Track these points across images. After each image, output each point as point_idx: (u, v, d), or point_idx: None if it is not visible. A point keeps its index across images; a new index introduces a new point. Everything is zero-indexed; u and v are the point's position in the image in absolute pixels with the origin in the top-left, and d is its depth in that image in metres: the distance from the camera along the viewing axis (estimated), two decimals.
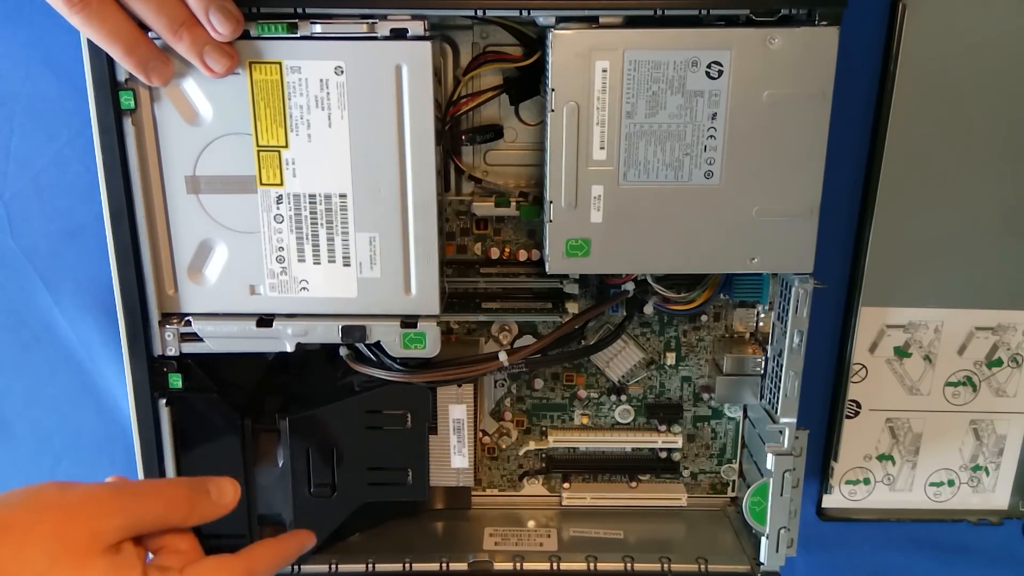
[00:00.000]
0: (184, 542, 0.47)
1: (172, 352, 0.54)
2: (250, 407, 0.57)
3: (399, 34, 0.49)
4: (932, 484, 0.67)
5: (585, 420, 0.65)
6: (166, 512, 0.46)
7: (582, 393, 0.65)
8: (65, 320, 0.63)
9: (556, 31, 0.49)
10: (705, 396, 0.65)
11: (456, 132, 0.57)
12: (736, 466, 0.66)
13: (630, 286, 0.58)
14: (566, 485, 0.66)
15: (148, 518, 0.45)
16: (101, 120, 0.50)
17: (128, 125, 0.50)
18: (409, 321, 0.54)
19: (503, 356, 0.57)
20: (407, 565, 0.59)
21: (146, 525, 0.45)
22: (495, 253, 0.60)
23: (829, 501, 0.67)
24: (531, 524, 0.64)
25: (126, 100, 0.50)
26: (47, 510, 0.42)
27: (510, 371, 0.64)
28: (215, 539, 0.58)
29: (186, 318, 0.54)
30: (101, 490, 0.45)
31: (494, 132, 0.57)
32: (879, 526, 0.68)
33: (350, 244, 0.52)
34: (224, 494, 0.49)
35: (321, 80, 0.49)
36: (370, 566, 0.60)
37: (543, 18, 0.50)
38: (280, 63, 0.49)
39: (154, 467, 0.56)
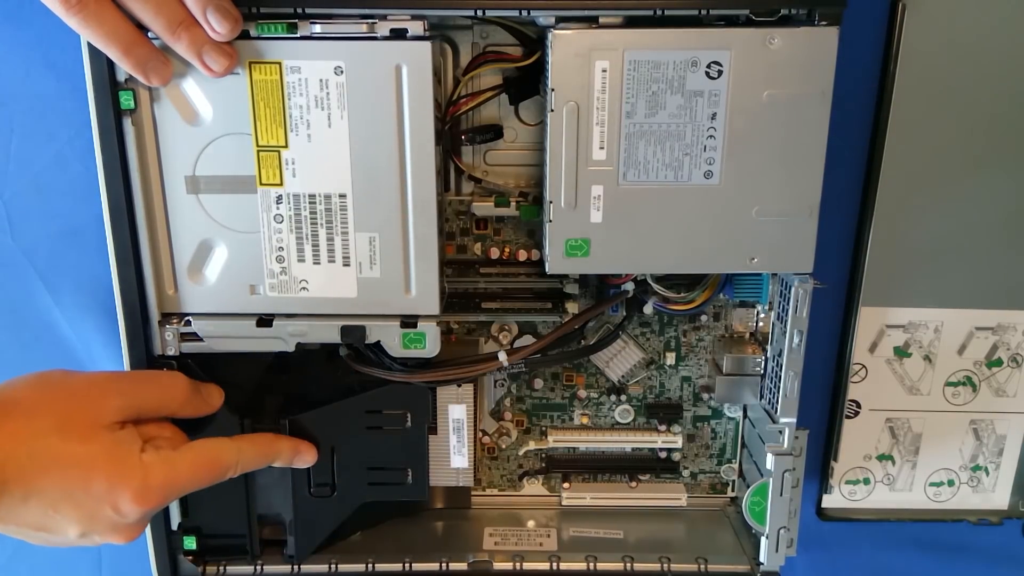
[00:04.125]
0: (174, 433, 0.51)
1: (172, 352, 0.54)
2: (250, 407, 0.57)
3: (399, 34, 0.49)
4: (932, 484, 0.67)
5: (585, 420, 0.65)
6: (162, 399, 0.51)
7: (582, 393, 0.65)
8: (65, 320, 0.63)
9: (556, 31, 0.49)
10: (705, 396, 0.65)
11: (456, 132, 0.57)
12: (736, 466, 0.66)
13: (630, 286, 0.58)
14: (566, 485, 0.66)
15: (147, 403, 0.50)
16: (101, 120, 0.50)
17: (128, 125, 0.50)
18: (409, 321, 0.54)
19: (503, 356, 0.57)
20: (407, 565, 0.59)
21: (145, 409, 0.49)
22: (495, 253, 0.60)
23: (829, 501, 0.67)
24: (531, 524, 0.64)
25: (126, 100, 0.50)
26: (54, 388, 0.47)
27: (510, 371, 0.64)
28: (214, 539, 0.59)
29: (186, 318, 0.54)
30: (103, 376, 0.50)
31: (494, 132, 0.57)
32: (879, 526, 0.68)
33: (350, 244, 0.52)
34: (212, 395, 0.54)
35: (321, 80, 0.49)
36: (370, 566, 0.60)
37: (543, 18, 0.50)
38: (280, 63, 0.49)
39: None
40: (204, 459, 0.50)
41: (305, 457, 0.57)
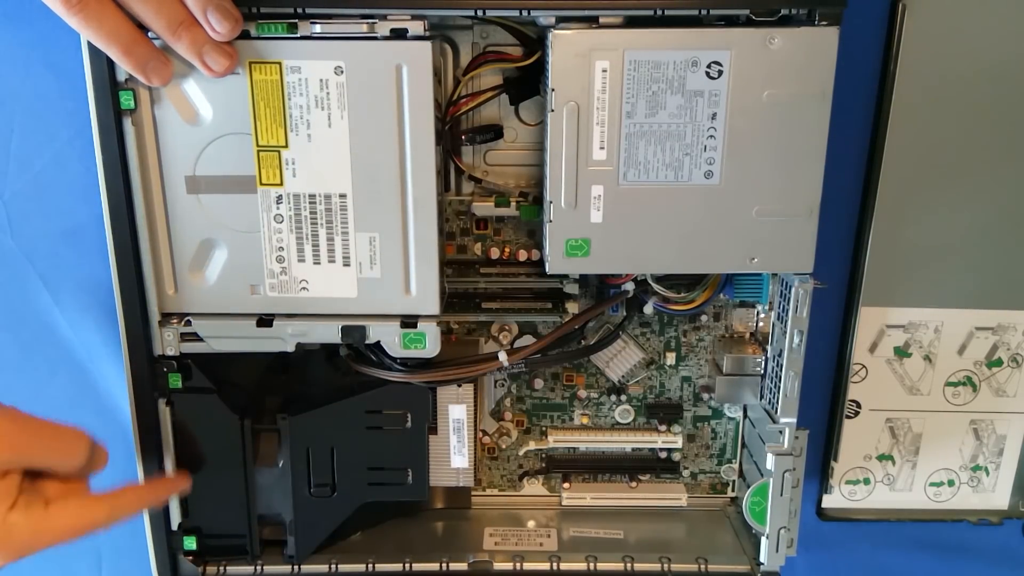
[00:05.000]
0: (60, 489, 0.48)
1: (172, 352, 0.54)
2: (250, 407, 0.57)
3: (399, 34, 0.49)
4: (932, 484, 0.67)
5: (585, 420, 0.65)
6: (57, 459, 0.47)
7: (582, 393, 0.65)
8: (65, 320, 0.63)
9: (556, 31, 0.49)
10: (705, 396, 0.65)
11: (456, 132, 0.57)
12: (736, 466, 0.66)
13: (630, 286, 0.58)
14: (566, 485, 0.66)
15: (36, 459, 0.46)
16: (101, 120, 0.50)
17: (128, 125, 0.50)
18: (409, 321, 0.54)
19: (503, 356, 0.57)
20: (407, 565, 0.59)
21: (33, 464, 0.47)
22: (495, 253, 0.60)
23: (829, 501, 0.67)
24: (531, 524, 0.64)
25: (126, 100, 0.50)
26: None
27: (510, 371, 0.64)
28: (214, 539, 0.59)
29: (186, 318, 0.54)
30: (4, 422, 0.46)
31: (494, 132, 0.57)
32: (879, 526, 0.68)
33: (350, 244, 0.52)
34: (100, 457, 0.50)
35: (321, 80, 0.49)
36: (370, 566, 0.60)
37: (543, 18, 0.50)
38: (280, 63, 0.49)
39: (154, 467, 0.56)
40: (72, 522, 0.48)
41: (181, 487, 0.56)
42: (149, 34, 0.47)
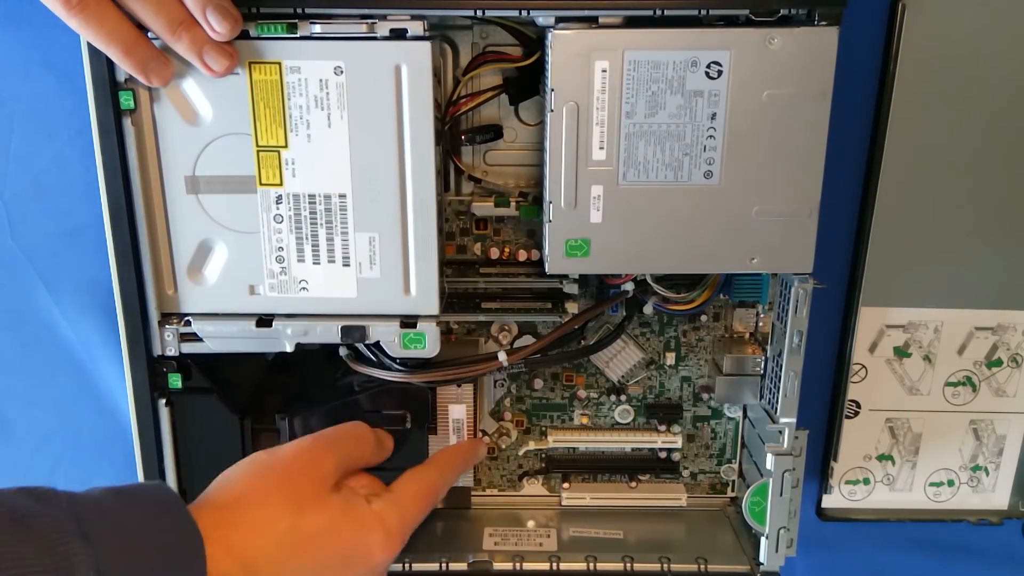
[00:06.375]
0: (371, 480, 0.51)
1: (172, 352, 0.54)
2: (250, 407, 0.58)
3: (399, 34, 0.49)
4: (932, 484, 0.67)
5: (585, 420, 0.65)
6: (360, 451, 0.51)
7: (582, 393, 0.65)
8: (65, 320, 0.63)
9: (556, 31, 0.49)
10: (705, 396, 0.65)
11: (456, 132, 0.57)
12: (736, 466, 0.66)
13: (630, 286, 0.58)
14: (566, 485, 0.66)
15: (351, 457, 0.50)
16: (101, 120, 0.50)
17: (128, 125, 0.50)
18: (409, 321, 0.54)
19: (503, 356, 0.57)
20: (407, 565, 0.59)
21: (351, 463, 0.50)
22: (495, 253, 0.60)
23: (829, 501, 0.67)
24: (531, 524, 0.64)
25: (126, 100, 0.50)
26: (268, 470, 0.46)
27: (510, 371, 0.64)
28: None
29: (186, 318, 0.54)
30: (306, 443, 0.49)
31: (494, 132, 0.57)
32: (879, 526, 0.68)
33: (350, 244, 0.52)
34: (385, 439, 0.54)
35: (321, 80, 0.49)
36: None
37: (543, 18, 0.50)
38: (280, 63, 0.49)
39: (154, 467, 0.56)
40: (420, 490, 0.51)
41: (482, 454, 0.60)
42: (149, 34, 0.47)
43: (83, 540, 0.36)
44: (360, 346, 0.56)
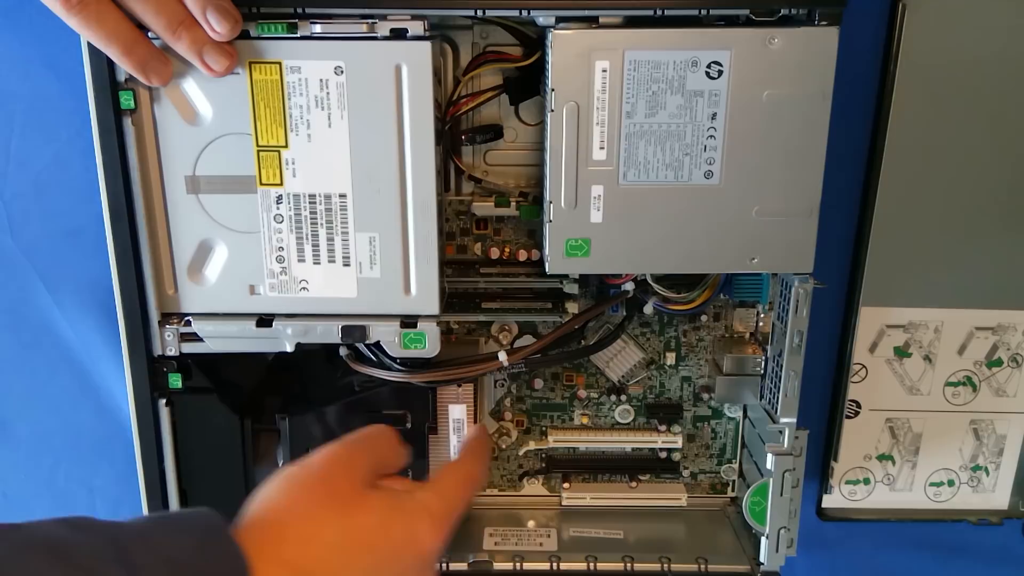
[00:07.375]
0: (404, 481, 0.50)
1: (172, 352, 0.54)
2: (250, 407, 0.57)
3: (399, 34, 0.49)
4: (932, 484, 0.67)
5: (585, 420, 0.65)
6: (388, 452, 0.50)
7: (582, 393, 0.65)
8: (65, 320, 0.63)
9: (556, 31, 0.49)
10: (705, 396, 0.65)
11: (456, 132, 0.57)
12: (736, 466, 0.66)
13: (630, 286, 0.58)
14: (566, 485, 0.66)
15: (381, 457, 0.49)
16: (101, 120, 0.50)
17: (128, 125, 0.50)
18: (409, 321, 0.54)
19: (503, 356, 0.57)
20: None
21: (381, 463, 0.49)
22: (495, 253, 0.60)
23: (829, 501, 0.67)
24: (531, 524, 0.64)
25: (126, 100, 0.50)
26: (305, 482, 0.45)
27: (510, 371, 0.63)
28: None
29: (186, 318, 0.54)
30: (337, 448, 0.47)
31: (494, 132, 0.57)
32: (879, 526, 0.68)
33: (350, 244, 0.52)
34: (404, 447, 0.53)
35: (321, 80, 0.49)
36: None
37: (543, 18, 0.50)
38: (280, 63, 0.49)
39: (154, 467, 0.56)
40: (459, 478, 0.50)
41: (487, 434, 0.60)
42: (149, 34, 0.47)
43: (122, 568, 0.36)
44: (360, 346, 0.56)
